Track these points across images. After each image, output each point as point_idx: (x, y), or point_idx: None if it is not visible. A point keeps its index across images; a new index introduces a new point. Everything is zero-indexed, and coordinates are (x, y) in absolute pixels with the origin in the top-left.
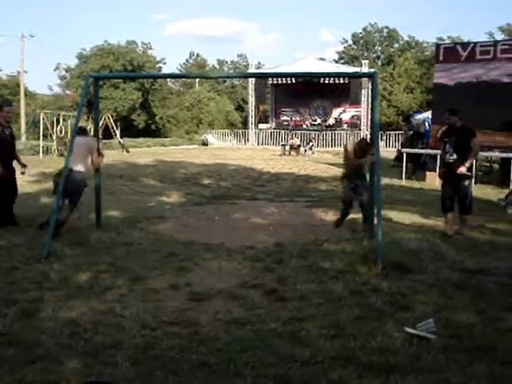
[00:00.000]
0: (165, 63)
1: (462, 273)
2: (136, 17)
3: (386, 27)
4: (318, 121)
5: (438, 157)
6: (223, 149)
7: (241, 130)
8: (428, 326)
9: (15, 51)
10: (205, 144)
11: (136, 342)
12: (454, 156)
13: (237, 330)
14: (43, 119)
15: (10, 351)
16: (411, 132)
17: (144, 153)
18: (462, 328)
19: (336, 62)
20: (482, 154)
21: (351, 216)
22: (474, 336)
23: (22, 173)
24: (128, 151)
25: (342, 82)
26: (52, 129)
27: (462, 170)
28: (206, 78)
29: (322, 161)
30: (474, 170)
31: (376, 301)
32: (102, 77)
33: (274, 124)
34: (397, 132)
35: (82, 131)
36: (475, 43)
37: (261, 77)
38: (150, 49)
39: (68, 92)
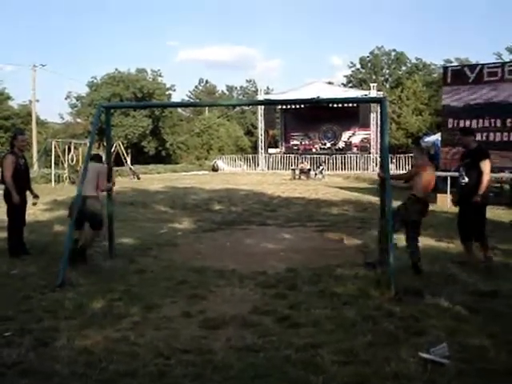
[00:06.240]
0: (174, 90)
1: (474, 296)
2: (146, 45)
3: (394, 50)
4: (328, 144)
5: (449, 179)
6: (233, 174)
7: (251, 155)
8: (442, 350)
9: (27, 80)
10: (215, 169)
11: (150, 370)
12: (466, 179)
13: (250, 357)
14: (55, 147)
15: (26, 381)
16: None
17: (155, 179)
18: (475, 352)
19: (344, 85)
20: (493, 175)
21: (362, 241)
22: (487, 360)
23: (34, 203)
24: (139, 178)
25: (350, 105)
26: (63, 157)
27: (477, 199)
28: (215, 105)
29: (333, 185)
30: (488, 193)
31: (389, 326)
32: (113, 106)
33: (283, 148)
34: (407, 155)
35: (95, 158)
36: (483, 65)
37: (270, 104)
38: (160, 76)
39: (79, 120)
